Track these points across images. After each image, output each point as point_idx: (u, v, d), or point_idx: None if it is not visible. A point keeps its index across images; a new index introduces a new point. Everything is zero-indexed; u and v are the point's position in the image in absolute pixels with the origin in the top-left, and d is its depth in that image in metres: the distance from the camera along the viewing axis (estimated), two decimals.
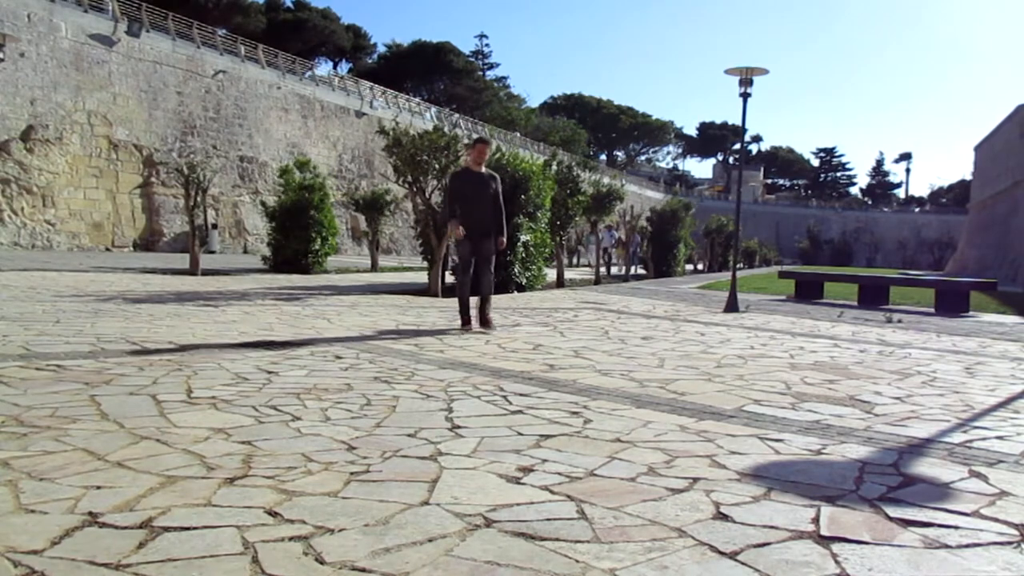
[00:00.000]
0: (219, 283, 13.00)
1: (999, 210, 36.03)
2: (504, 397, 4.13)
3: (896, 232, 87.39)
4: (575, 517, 2.31)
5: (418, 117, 44.69)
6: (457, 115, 52.05)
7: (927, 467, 3.02)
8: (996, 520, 2.41)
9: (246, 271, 17.04)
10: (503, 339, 6.71)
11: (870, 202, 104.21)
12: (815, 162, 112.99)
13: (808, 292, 14.49)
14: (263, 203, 20.66)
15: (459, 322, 7.44)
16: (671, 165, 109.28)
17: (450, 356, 5.61)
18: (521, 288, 13.60)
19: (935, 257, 73.11)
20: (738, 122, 12.35)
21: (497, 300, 10.73)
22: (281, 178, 18.33)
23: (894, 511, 2.45)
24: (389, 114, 42.09)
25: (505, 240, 7.62)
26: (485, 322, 7.30)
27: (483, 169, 7.51)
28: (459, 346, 6.18)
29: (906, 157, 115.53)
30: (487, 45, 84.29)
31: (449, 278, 13.49)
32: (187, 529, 2.11)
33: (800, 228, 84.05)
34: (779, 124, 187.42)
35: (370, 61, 66.35)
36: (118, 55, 28.29)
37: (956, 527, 2.34)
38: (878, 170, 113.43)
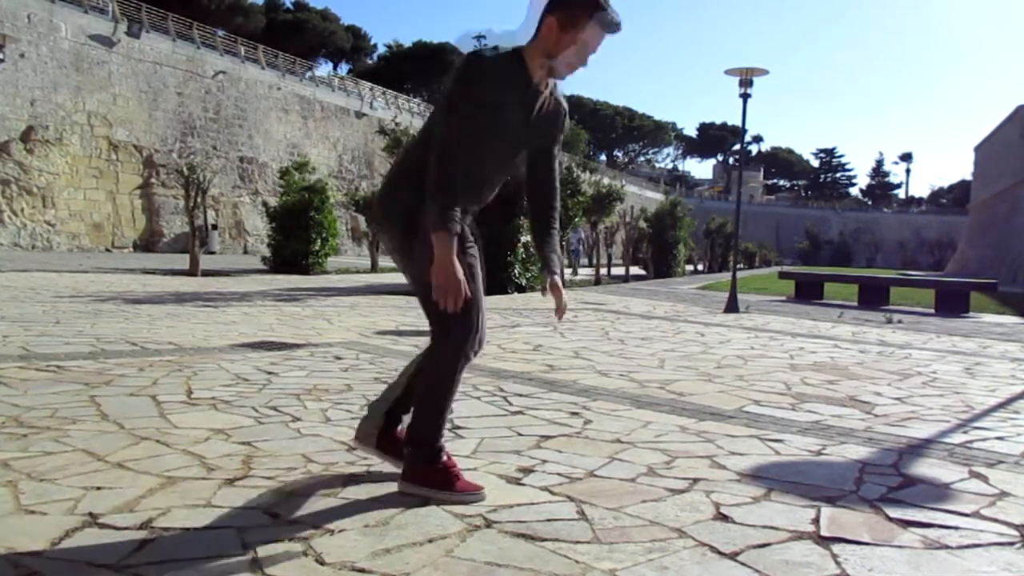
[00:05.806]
0: (219, 284, 13.00)
1: (999, 210, 36.04)
2: (504, 398, 4.13)
3: (896, 233, 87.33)
4: (575, 518, 2.30)
5: (418, 118, 44.65)
6: None
7: (927, 468, 3.02)
8: (996, 521, 2.41)
9: (246, 272, 17.03)
10: (503, 339, 6.70)
11: (870, 203, 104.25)
12: (815, 163, 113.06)
13: (808, 293, 14.49)
14: (265, 204, 20.68)
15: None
16: (671, 166, 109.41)
17: None
18: (521, 289, 13.60)
19: (935, 258, 73.03)
20: (738, 122, 12.34)
21: (496, 300, 10.73)
22: (282, 179, 18.33)
23: (894, 512, 2.45)
24: (389, 115, 42.05)
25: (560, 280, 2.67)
26: (401, 444, 2.55)
27: (552, 88, 2.50)
28: None
29: (906, 158, 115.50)
30: (487, 45, 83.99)
31: None
32: (187, 530, 2.11)
33: (800, 229, 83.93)
34: (779, 124, 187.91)
35: (370, 62, 66.37)
36: (118, 56, 28.29)
37: (956, 528, 2.33)
38: (878, 171, 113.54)
